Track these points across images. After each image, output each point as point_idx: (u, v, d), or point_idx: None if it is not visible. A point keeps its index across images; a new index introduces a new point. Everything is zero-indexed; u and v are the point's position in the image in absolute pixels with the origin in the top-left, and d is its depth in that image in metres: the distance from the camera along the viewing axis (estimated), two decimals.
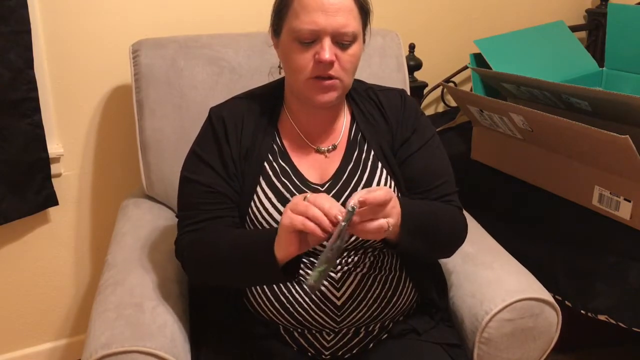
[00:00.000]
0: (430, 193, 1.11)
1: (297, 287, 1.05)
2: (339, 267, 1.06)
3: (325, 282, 1.04)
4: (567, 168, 1.45)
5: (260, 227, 1.06)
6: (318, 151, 1.12)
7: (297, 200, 0.90)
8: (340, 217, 0.86)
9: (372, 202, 0.87)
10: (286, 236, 0.90)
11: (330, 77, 1.01)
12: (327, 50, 0.98)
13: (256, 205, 1.06)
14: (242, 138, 1.09)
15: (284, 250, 0.92)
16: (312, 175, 1.10)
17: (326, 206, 0.87)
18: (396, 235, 0.99)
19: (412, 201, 1.07)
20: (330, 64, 0.99)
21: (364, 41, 1.07)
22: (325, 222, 0.86)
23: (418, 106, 1.19)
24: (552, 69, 1.75)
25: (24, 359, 1.71)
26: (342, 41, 1.00)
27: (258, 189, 1.07)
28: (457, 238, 1.13)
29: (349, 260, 1.06)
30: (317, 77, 1.01)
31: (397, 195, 1.09)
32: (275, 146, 1.11)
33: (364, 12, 1.05)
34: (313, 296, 1.04)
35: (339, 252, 0.90)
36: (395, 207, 0.93)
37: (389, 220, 0.91)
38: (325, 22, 0.97)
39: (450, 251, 1.14)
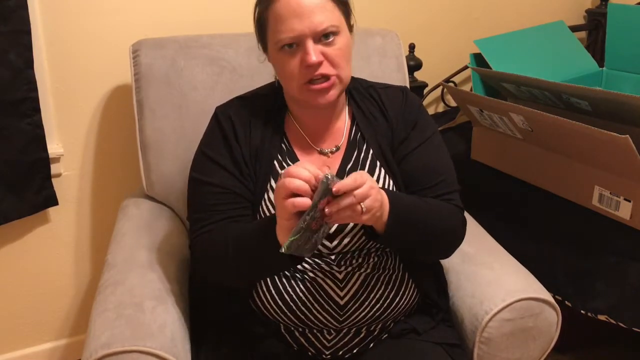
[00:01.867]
0: (429, 191, 1.11)
1: (300, 285, 1.05)
2: (343, 267, 1.06)
3: (329, 281, 1.05)
4: (567, 168, 1.45)
5: None
6: (321, 153, 1.12)
7: (279, 183, 0.89)
8: (321, 176, 0.86)
9: (341, 190, 0.87)
10: (285, 223, 0.90)
11: (326, 78, 1.01)
12: (312, 53, 0.98)
13: (266, 204, 1.07)
14: (251, 138, 1.09)
15: (285, 234, 0.91)
16: None
17: (304, 175, 0.87)
18: (383, 225, 0.97)
19: (401, 193, 1.06)
20: (318, 64, 0.99)
21: (350, 30, 1.06)
22: (307, 190, 0.87)
23: (420, 103, 1.19)
24: (552, 69, 1.75)
25: (24, 359, 1.71)
26: (324, 38, 1.00)
27: (268, 187, 1.08)
28: (453, 236, 1.11)
29: (353, 261, 1.07)
30: (310, 81, 1.01)
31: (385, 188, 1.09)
32: (283, 146, 1.11)
33: (340, 2, 1.04)
34: (316, 294, 1.04)
35: (322, 232, 0.90)
36: (373, 188, 0.91)
37: (365, 202, 0.89)
38: (301, 25, 0.98)
39: (446, 250, 1.12)
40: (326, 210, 0.88)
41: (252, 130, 1.10)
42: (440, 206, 1.09)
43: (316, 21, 0.98)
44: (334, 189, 0.87)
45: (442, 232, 1.08)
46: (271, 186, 1.07)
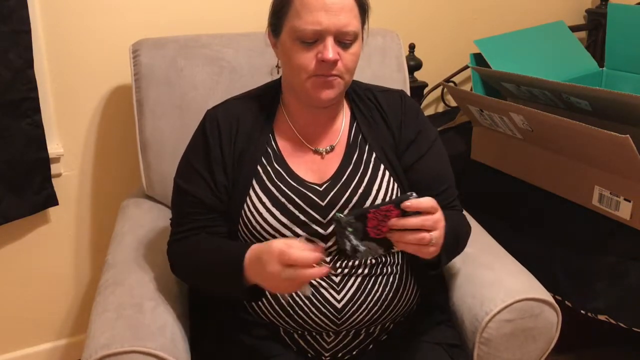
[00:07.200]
0: (437, 199, 1.11)
1: None
2: (339, 269, 1.05)
3: (325, 285, 1.04)
4: (567, 168, 1.45)
5: (254, 231, 1.06)
6: (316, 152, 1.11)
7: (276, 270, 0.90)
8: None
9: (415, 208, 0.89)
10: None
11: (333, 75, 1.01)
12: (331, 50, 0.98)
13: (249, 209, 1.06)
14: (236, 140, 1.09)
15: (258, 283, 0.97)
16: (309, 176, 1.09)
17: (301, 260, 0.89)
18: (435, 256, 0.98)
19: None
20: (334, 63, 0.99)
21: (362, 39, 1.07)
22: (313, 273, 0.89)
23: (418, 107, 1.19)
24: (552, 69, 1.75)
25: (24, 359, 1.71)
26: (344, 40, 1.00)
27: (251, 192, 1.07)
28: (466, 243, 1.17)
29: (349, 263, 1.06)
30: (319, 75, 1.01)
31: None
32: (269, 149, 1.10)
33: (363, 11, 1.05)
34: (313, 299, 1.04)
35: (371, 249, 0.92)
36: (441, 221, 0.93)
37: (433, 233, 0.91)
38: (328, 21, 0.98)
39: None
40: (390, 222, 0.89)
41: (239, 133, 1.09)
42: (453, 219, 1.09)
43: (343, 21, 0.98)
44: (406, 203, 0.88)
45: (463, 243, 1.16)
46: (254, 189, 1.07)
